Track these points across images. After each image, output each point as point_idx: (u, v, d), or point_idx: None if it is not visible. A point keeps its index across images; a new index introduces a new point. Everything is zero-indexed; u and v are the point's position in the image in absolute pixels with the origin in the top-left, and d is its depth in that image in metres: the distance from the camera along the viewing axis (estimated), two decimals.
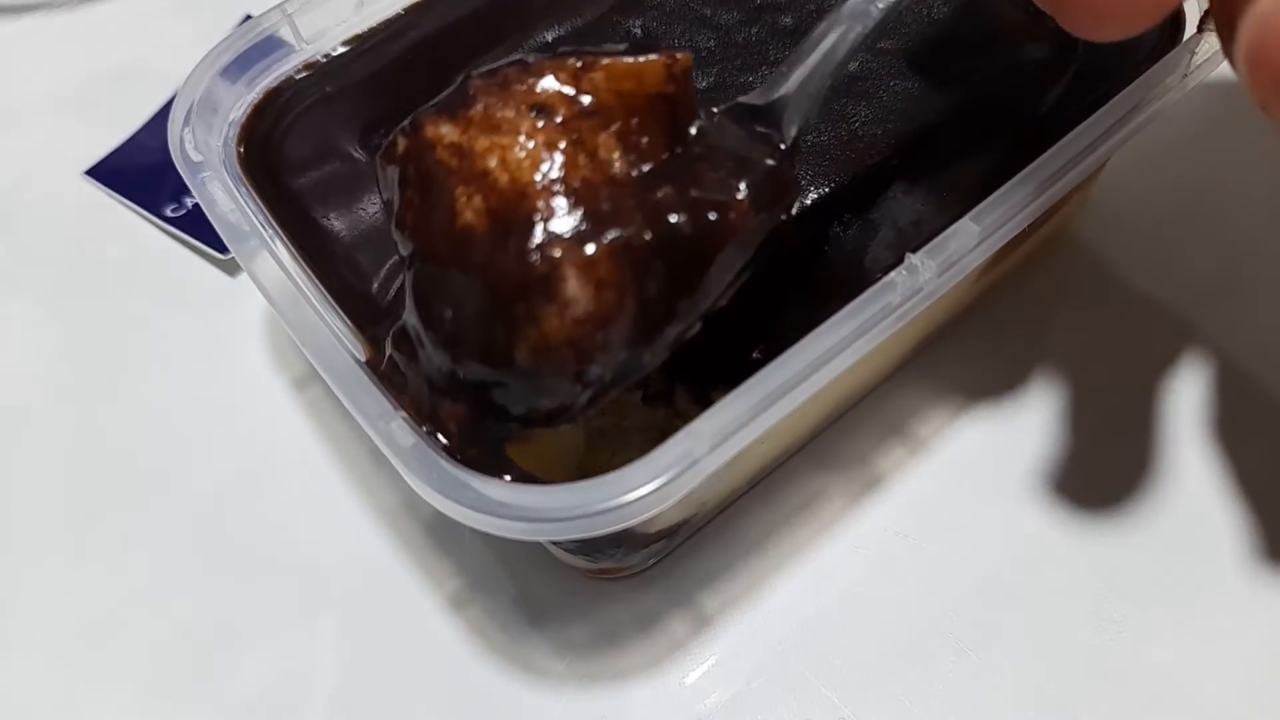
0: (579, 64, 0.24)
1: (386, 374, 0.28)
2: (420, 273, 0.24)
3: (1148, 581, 0.32)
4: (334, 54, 0.34)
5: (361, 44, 0.34)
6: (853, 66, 0.33)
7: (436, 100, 0.25)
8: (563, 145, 0.24)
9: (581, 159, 0.24)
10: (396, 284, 0.30)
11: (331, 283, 0.30)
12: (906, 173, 0.30)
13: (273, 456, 0.35)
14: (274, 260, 0.28)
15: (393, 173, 0.25)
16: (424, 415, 0.26)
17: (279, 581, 0.33)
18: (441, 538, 0.33)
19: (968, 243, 0.27)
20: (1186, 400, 0.35)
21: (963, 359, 0.36)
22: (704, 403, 0.28)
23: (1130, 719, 0.30)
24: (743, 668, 0.31)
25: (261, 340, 0.38)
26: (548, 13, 0.34)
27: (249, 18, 0.39)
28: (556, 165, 0.23)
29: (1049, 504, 0.33)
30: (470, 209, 0.23)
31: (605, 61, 0.24)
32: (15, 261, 0.41)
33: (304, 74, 0.33)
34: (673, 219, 0.23)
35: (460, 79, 0.25)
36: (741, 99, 0.27)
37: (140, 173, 0.42)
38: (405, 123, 0.25)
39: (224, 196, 0.29)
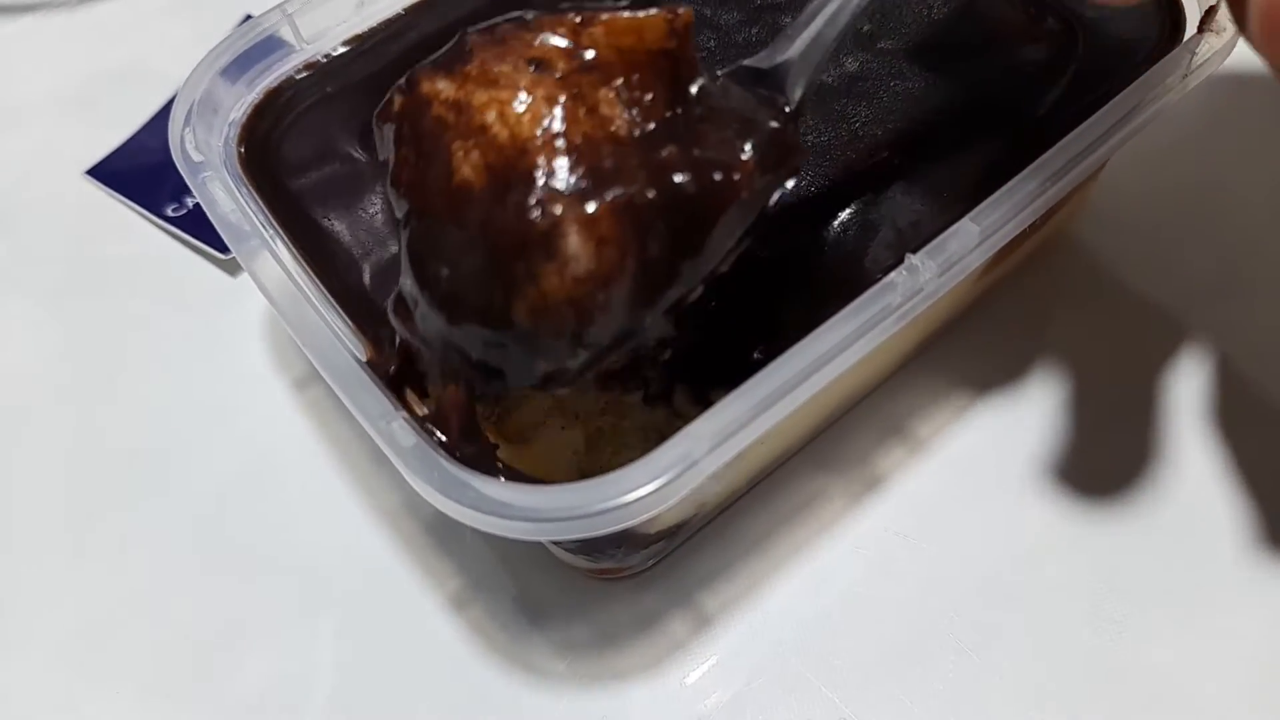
0: (578, 19, 0.24)
1: (387, 373, 0.28)
2: (416, 231, 0.24)
3: (1148, 581, 0.32)
4: (334, 54, 0.34)
5: (362, 44, 0.34)
6: (853, 67, 0.33)
7: (433, 57, 0.24)
8: (563, 100, 0.23)
9: (582, 114, 0.23)
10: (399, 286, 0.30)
11: (332, 282, 0.30)
12: (906, 173, 0.30)
13: (273, 456, 0.35)
14: (275, 260, 0.29)
15: (389, 131, 0.24)
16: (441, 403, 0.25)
17: (280, 581, 0.33)
18: (442, 538, 0.33)
19: (968, 243, 0.27)
20: (1186, 400, 0.35)
21: (963, 359, 0.36)
22: (704, 403, 0.28)
23: (1130, 718, 0.30)
24: (743, 668, 0.31)
25: (262, 340, 0.38)
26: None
27: (249, 18, 0.39)
28: (557, 120, 0.23)
29: (1049, 504, 0.33)
30: (468, 164, 0.23)
31: (605, 17, 0.24)
32: (16, 261, 0.41)
33: (304, 74, 0.33)
34: (677, 178, 0.23)
35: (457, 36, 0.24)
36: (745, 62, 0.26)
37: (141, 173, 0.42)
38: (401, 80, 0.24)
39: (224, 196, 0.29)
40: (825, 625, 0.32)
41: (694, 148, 0.23)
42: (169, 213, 0.41)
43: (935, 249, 0.27)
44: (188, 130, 0.30)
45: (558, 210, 0.22)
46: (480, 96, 0.23)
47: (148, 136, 0.43)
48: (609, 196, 0.22)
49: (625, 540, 0.30)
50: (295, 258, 0.30)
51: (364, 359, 0.28)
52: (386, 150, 0.25)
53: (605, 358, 0.24)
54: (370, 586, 0.33)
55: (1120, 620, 0.31)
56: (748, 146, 0.24)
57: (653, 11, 0.24)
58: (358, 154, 0.32)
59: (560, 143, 0.23)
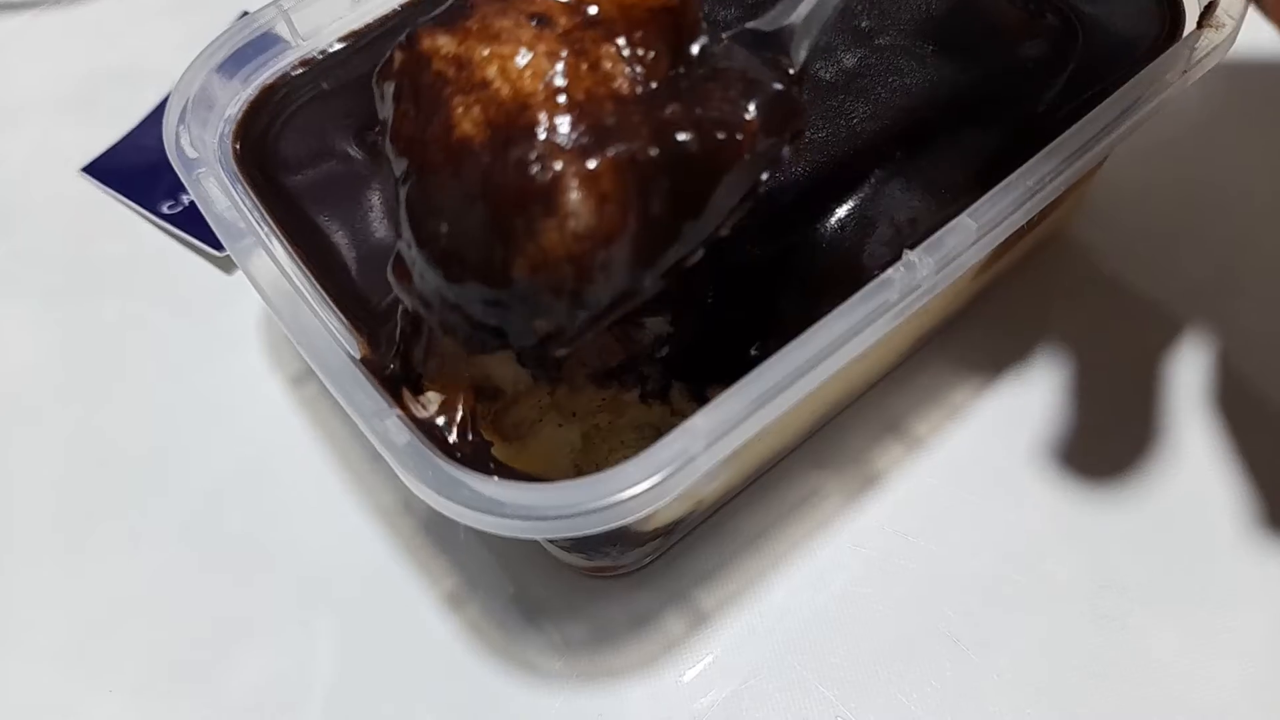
0: None
1: (382, 371, 0.27)
2: (414, 187, 0.24)
3: (1147, 577, 0.32)
4: (330, 50, 0.34)
5: (357, 40, 0.34)
6: (851, 63, 0.33)
7: (434, 13, 0.24)
8: (564, 55, 0.23)
9: (584, 70, 0.23)
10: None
11: (327, 280, 0.29)
12: (904, 169, 0.30)
13: (269, 455, 0.35)
14: (270, 258, 0.28)
15: (389, 88, 0.24)
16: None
17: (275, 580, 0.33)
18: (438, 536, 0.33)
19: (965, 240, 0.27)
20: (1184, 397, 0.35)
21: (960, 356, 0.36)
22: (701, 400, 0.28)
23: (1130, 716, 0.30)
24: (740, 666, 0.31)
25: (257, 338, 0.38)
26: None
27: (245, 14, 0.39)
28: (558, 76, 0.23)
29: (1047, 500, 0.33)
30: (468, 119, 0.22)
31: None
32: (11, 258, 0.41)
33: (300, 70, 0.33)
34: (680, 137, 0.23)
35: None
36: (749, 24, 0.26)
37: (136, 170, 0.42)
38: (402, 37, 0.24)
39: (220, 194, 0.29)
40: (822, 623, 0.32)
41: (697, 107, 0.23)
42: (164, 210, 0.41)
43: (933, 245, 0.27)
44: (183, 127, 0.30)
45: (559, 166, 0.22)
46: (481, 51, 0.23)
47: (143, 134, 0.43)
48: (611, 153, 0.22)
49: (621, 538, 0.30)
50: (290, 255, 0.30)
51: (358, 357, 0.28)
52: (386, 109, 0.24)
53: (604, 319, 0.24)
54: (366, 585, 0.33)
55: (1120, 617, 0.31)
56: (751, 107, 0.23)
57: None
58: (353, 151, 0.32)
59: (562, 99, 0.22)
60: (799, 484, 0.34)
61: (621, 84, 0.23)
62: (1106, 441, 0.34)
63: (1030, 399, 0.35)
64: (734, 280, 0.29)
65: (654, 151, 0.22)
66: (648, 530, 0.30)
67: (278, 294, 0.28)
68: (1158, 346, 0.36)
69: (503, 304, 0.23)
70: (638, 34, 0.23)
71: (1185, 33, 0.32)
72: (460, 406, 0.28)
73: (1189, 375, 0.35)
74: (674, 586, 0.32)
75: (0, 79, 0.46)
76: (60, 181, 0.42)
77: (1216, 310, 0.37)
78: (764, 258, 0.29)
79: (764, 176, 0.24)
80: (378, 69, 0.25)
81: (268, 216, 0.30)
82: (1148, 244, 0.38)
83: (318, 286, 0.29)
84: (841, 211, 0.30)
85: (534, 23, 0.23)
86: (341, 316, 0.29)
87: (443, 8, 0.24)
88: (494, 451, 0.28)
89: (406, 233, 0.24)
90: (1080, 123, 0.29)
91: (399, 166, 0.24)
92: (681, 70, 0.24)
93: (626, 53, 0.23)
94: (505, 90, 0.22)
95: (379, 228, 0.31)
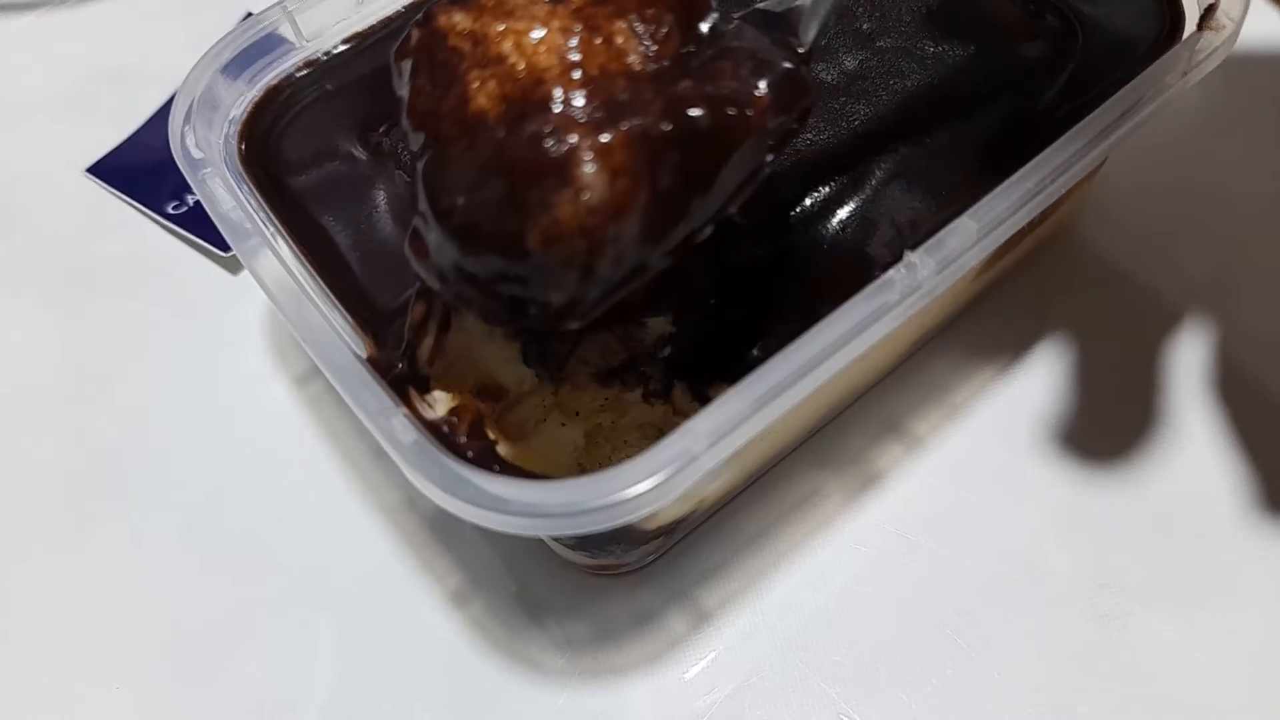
0: None
1: (388, 370, 0.28)
2: (430, 161, 0.24)
3: (1148, 576, 0.32)
4: (334, 51, 0.34)
5: (362, 41, 0.34)
6: (852, 65, 0.33)
7: None
8: (578, 31, 0.23)
9: (598, 45, 0.23)
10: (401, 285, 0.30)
11: (333, 279, 0.30)
12: (905, 171, 0.30)
13: (274, 454, 0.35)
14: (275, 257, 0.29)
15: (405, 66, 0.25)
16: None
17: (280, 578, 0.33)
18: (442, 534, 0.33)
19: (966, 240, 0.27)
20: (1186, 397, 0.35)
21: (961, 356, 0.36)
22: (703, 400, 0.28)
23: (1131, 715, 0.30)
24: (742, 664, 0.31)
25: (261, 338, 0.38)
26: None
27: (250, 15, 0.39)
28: (572, 51, 0.23)
29: (1048, 500, 0.33)
30: (483, 94, 0.23)
31: None
32: (16, 259, 0.41)
33: (304, 71, 0.33)
34: (691, 112, 0.23)
35: None
36: (759, 5, 0.27)
37: (141, 171, 0.42)
38: (418, 15, 0.25)
39: (225, 194, 0.29)
40: (824, 621, 0.32)
41: (709, 84, 0.23)
42: (169, 211, 0.41)
43: (934, 246, 0.27)
44: (188, 127, 0.30)
45: (573, 140, 0.22)
46: (496, 27, 0.23)
47: (148, 134, 0.43)
48: (624, 127, 0.22)
49: (624, 536, 0.30)
50: (296, 255, 0.30)
51: (364, 356, 0.28)
52: (403, 86, 0.25)
53: (616, 292, 0.24)
54: (369, 583, 0.33)
55: (1120, 615, 0.31)
56: (762, 84, 0.24)
57: None
58: (358, 151, 0.32)
59: (576, 74, 0.23)
60: (800, 483, 0.34)
61: (634, 60, 0.23)
62: (1106, 441, 0.34)
63: (1031, 398, 0.35)
64: (736, 280, 0.29)
65: (666, 127, 0.23)
66: (650, 529, 0.30)
67: (283, 293, 0.28)
68: (1159, 344, 0.36)
69: (517, 276, 0.23)
70: (650, 11, 0.24)
71: (1186, 34, 0.32)
72: (465, 406, 0.29)
73: (1190, 374, 0.35)
74: (676, 585, 0.32)
75: (5, 79, 0.46)
76: (65, 182, 0.42)
77: (1218, 310, 0.37)
78: (766, 258, 0.29)
79: (771, 157, 0.25)
80: (395, 47, 0.25)
81: (273, 216, 0.30)
82: (1150, 243, 0.38)
83: (323, 286, 0.29)
84: (843, 212, 0.30)
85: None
86: (347, 316, 0.29)
87: None
88: (498, 450, 0.28)
89: (423, 205, 0.24)
90: (1080, 125, 0.29)
91: (415, 141, 0.24)
92: (692, 49, 0.24)
93: (639, 30, 0.24)
94: (520, 65, 0.23)
95: (384, 227, 0.31)
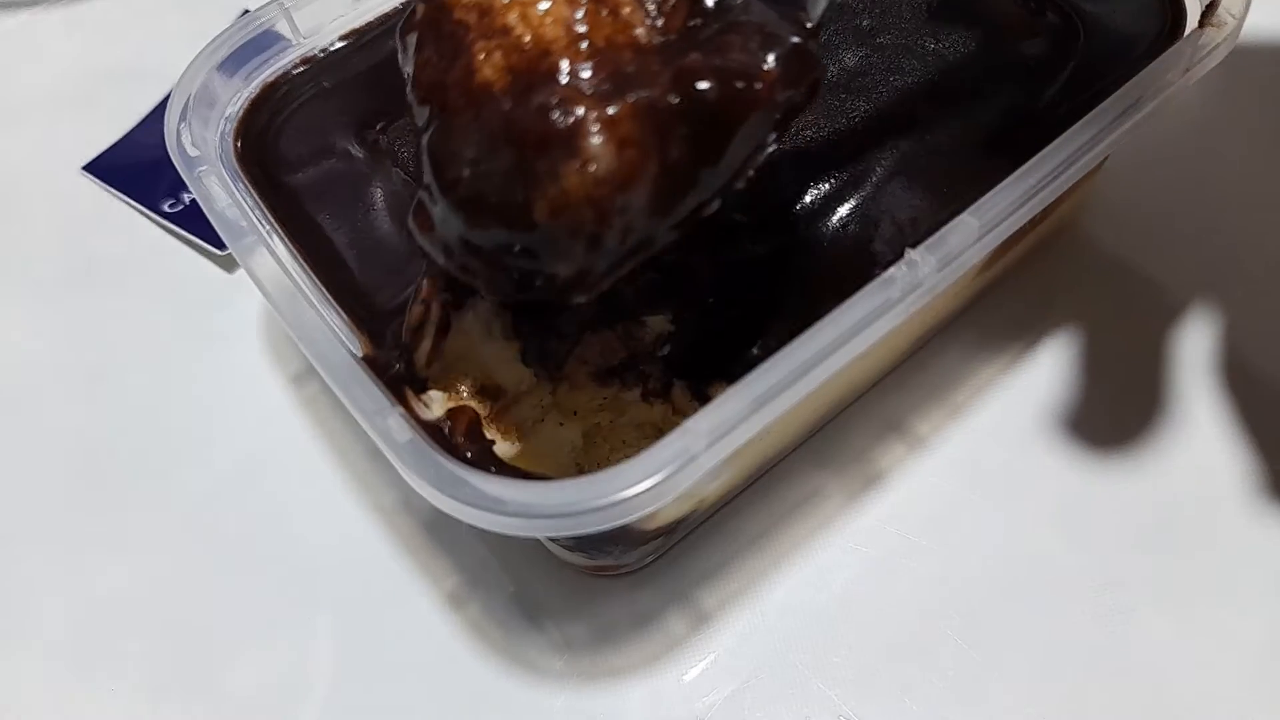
0: None
1: (384, 369, 0.27)
2: (436, 133, 0.24)
3: (1150, 576, 0.32)
4: (331, 48, 0.34)
5: (359, 38, 0.34)
6: (853, 62, 0.33)
7: None
8: (584, 2, 0.23)
9: (604, 17, 0.23)
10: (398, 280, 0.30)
11: (329, 278, 0.29)
12: (906, 168, 0.30)
13: (269, 454, 0.35)
14: (271, 256, 0.28)
15: (411, 40, 0.25)
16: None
17: (276, 579, 0.33)
18: (439, 535, 0.33)
19: (968, 238, 0.27)
20: (1193, 390, 0.35)
21: (963, 355, 0.36)
22: (702, 399, 0.28)
23: (1134, 715, 0.30)
24: (741, 665, 0.31)
25: (257, 337, 0.38)
26: None
27: (246, 12, 0.39)
28: (579, 23, 0.23)
29: (1050, 499, 0.33)
30: (489, 65, 0.23)
31: None
32: (12, 257, 0.41)
33: (301, 68, 0.33)
34: (699, 85, 0.23)
35: None
36: None
37: (137, 168, 0.42)
38: None
39: (221, 192, 0.29)
40: (824, 622, 0.32)
41: (716, 56, 0.23)
42: (165, 209, 0.41)
43: (935, 244, 0.27)
44: (184, 125, 0.30)
45: (580, 111, 0.22)
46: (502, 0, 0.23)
47: (144, 132, 0.43)
48: (631, 99, 0.22)
49: (623, 537, 0.30)
50: (292, 253, 0.30)
51: (360, 355, 0.28)
52: (408, 62, 0.25)
53: (623, 265, 0.24)
54: (367, 584, 0.33)
55: (1122, 615, 0.31)
56: (770, 58, 0.24)
57: None
58: (355, 149, 0.32)
59: (583, 45, 0.23)
60: (800, 483, 0.34)
61: (641, 32, 0.23)
62: (1111, 438, 0.34)
63: (1034, 397, 0.35)
64: (736, 278, 0.29)
65: (674, 98, 0.23)
66: (649, 529, 0.30)
67: (279, 292, 0.28)
68: (1164, 340, 0.36)
69: (524, 248, 0.23)
70: None
71: (1187, 31, 0.32)
72: (463, 406, 0.28)
73: (1195, 368, 0.35)
74: (675, 586, 0.32)
75: (1, 77, 0.46)
76: (61, 180, 0.42)
77: (1222, 304, 0.36)
78: (765, 255, 0.29)
79: (775, 135, 0.25)
80: (400, 23, 0.25)
81: (269, 214, 0.30)
82: (1155, 241, 0.38)
83: (319, 284, 0.29)
84: (843, 209, 0.30)
85: None
86: (343, 314, 0.29)
87: None
88: (495, 450, 0.28)
89: (428, 178, 0.24)
90: (1080, 123, 0.29)
91: (421, 115, 0.24)
92: (699, 22, 0.24)
93: (646, 2, 0.24)
94: (526, 37, 0.23)
95: (380, 225, 0.31)
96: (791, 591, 0.32)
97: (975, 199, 0.28)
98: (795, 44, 0.24)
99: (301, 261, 0.30)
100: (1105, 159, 0.34)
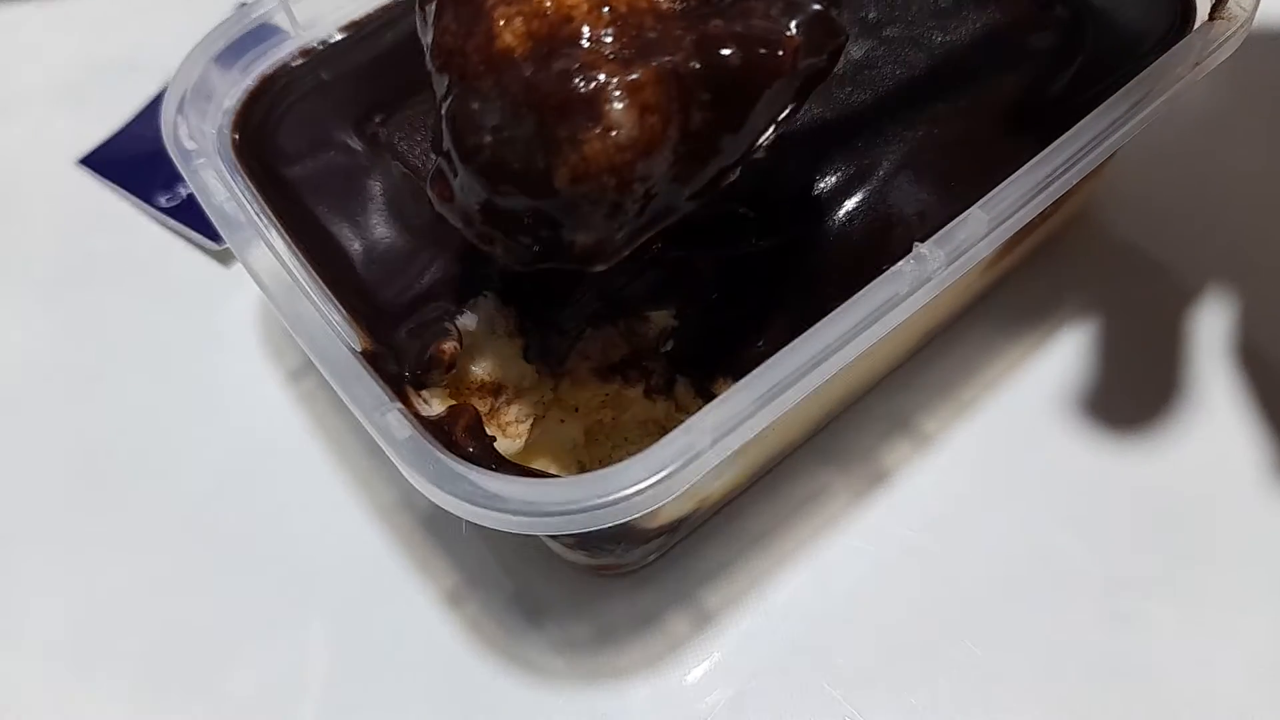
0: None
1: (382, 364, 0.27)
2: (456, 100, 0.24)
3: (1159, 576, 0.32)
4: (330, 40, 0.33)
5: (358, 30, 0.34)
6: (860, 55, 0.32)
7: None
8: None
9: None
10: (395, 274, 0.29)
11: (327, 272, 0.29)
12: (913, 161, 0.30)
13: (267, 450, 0.35)
14: (268, 250, 0.28)
15: (430, 9, 0.24)
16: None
17: (274, 577, 0.33)
18: (438, 533, 0.33)
19: (977, 232, 0.27)
20: (1207, 382, 0.34)
21: (971, 350, 0.36)
22: (706, 396, 0.28)
23: (1138, 715, 0.30)
24: (744, 666, 0.31)
25: (255, 332, 0.37)
26: None
27: (244, 4, 0.39)
28: None
29: (1057, 498, 0.33)
30: (510, 31, 0.23)
31: None
32: (7, 251, 0.40)
33: (300, 61, 0.33)
34: (723, 51, 0.23)
35: None
36: None
37: (134, 162, 0.42)
38: None
39: (218, 185, 0.29)
40: (828, 622, 0.31)
41: (738, 22, 0.23)
42: (162, 203, 0.40)
43: (944, 238, 0.27)
44: (181, 118, 0.30)
45: (601, 77, 0.22)
46: None
47: (141, 125, 0.43)
48: (653, 65, 0.22)
49: (625, 536, 0.30)
50: (289, 247, 0.29)
51: (359, 349, 0.27)
52: (427, 31, 0.25)
53: (644, 233, 0.24)
54: (365, 582, 0.32)
55: (1131, 615, 0.31)
56: (793, 24, 0.24)
57: None
58: (353, 142, 0.32)
59: (605, 10, 0.23)
60: (805, 481, 0.33)
61: None
62: (1120, 437, 0.34)
63: (1042, 394, 0.35)
64: (740, 273, 0.29)
65: (695, 65, 0.23)
66: (652, 528, 0.30)
67: (277, 286, 0.27)
68: (1178, 334, 0.36)
69: (545, 215, 0.23)
70: None
71: (1197, 24, 0.32)
72: (463, 402, 0.28)
73: (1210, 358, 0.35)
74: (678, 585, 0.32)
75: None
76: (57, 173, 0.42)
77: (1241, 298, 0.36)
78: (771, 250, 0.29)
79: (796, 103, 0.24)
80: None
81: (267, 208, 0.30)
82: (1166, 234, 0.38)
83: (317, 279, 0.29)
84: (850, 203, 0.29)
85: None
86: (341, 309, 0.28)
87: None
88: (496, 447, 0.27)
89: (448, 145, 0.24)
90: (1090, 116, 0.29)
91: (440, 84, 0.24)
92: None
93: None
94: (548, 2, 0.23)
95: (379, 219, 0.30)
96: (796, 591, 0.32)
97: (984, 193, 0.27)
98: (817, 10, 0.24)
99: (300, 256, 0.29)
100: (1115, 152, 0.33)
